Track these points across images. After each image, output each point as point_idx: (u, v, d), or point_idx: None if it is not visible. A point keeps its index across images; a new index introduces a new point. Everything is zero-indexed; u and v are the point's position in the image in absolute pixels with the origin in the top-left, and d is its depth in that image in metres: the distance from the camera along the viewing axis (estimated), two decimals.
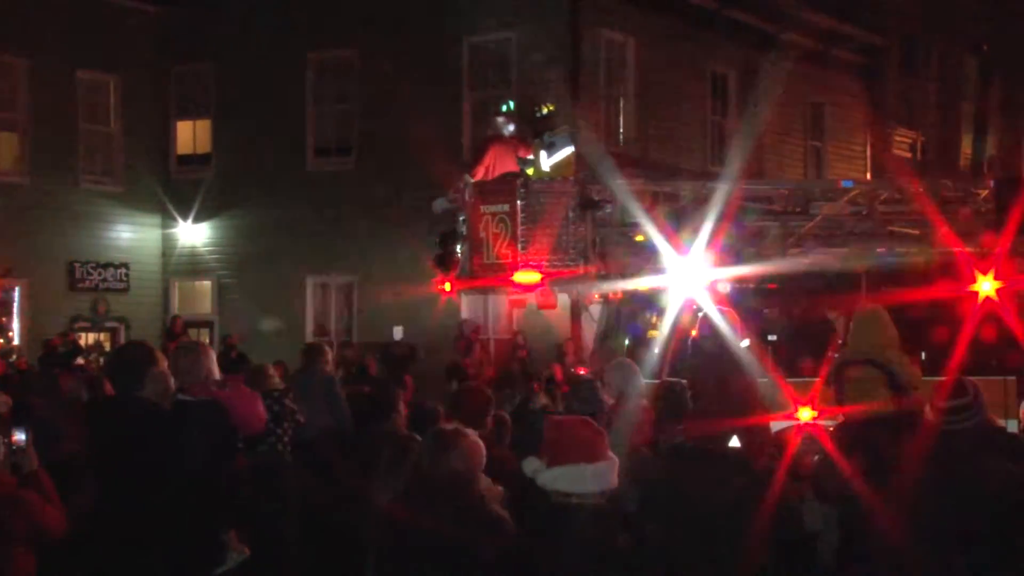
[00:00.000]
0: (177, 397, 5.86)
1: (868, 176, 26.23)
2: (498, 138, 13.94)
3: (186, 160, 24.80)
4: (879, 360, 7.41)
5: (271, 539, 7.03)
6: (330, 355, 11.56)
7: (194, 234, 24.28)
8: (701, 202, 12.03)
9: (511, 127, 13.97)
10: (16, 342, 21.61)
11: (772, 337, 11.77)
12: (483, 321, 20.77)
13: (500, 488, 5.88)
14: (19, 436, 5.88)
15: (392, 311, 20.48)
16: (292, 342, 19.22)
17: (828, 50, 25.45)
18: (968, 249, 10.82)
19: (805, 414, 7.47)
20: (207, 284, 24.50)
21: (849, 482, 5.79)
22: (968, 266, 10.12)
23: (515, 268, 12.50)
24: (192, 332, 22.48)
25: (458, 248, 13.28)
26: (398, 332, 20.22)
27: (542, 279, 12.41)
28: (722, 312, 10.71)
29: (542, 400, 11.10)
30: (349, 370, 18.52)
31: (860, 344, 7.85)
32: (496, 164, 13.57)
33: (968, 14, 28.66)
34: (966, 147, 28.73)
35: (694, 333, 11.35)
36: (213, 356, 6.30)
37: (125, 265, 23.94)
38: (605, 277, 12.38)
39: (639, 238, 12.14)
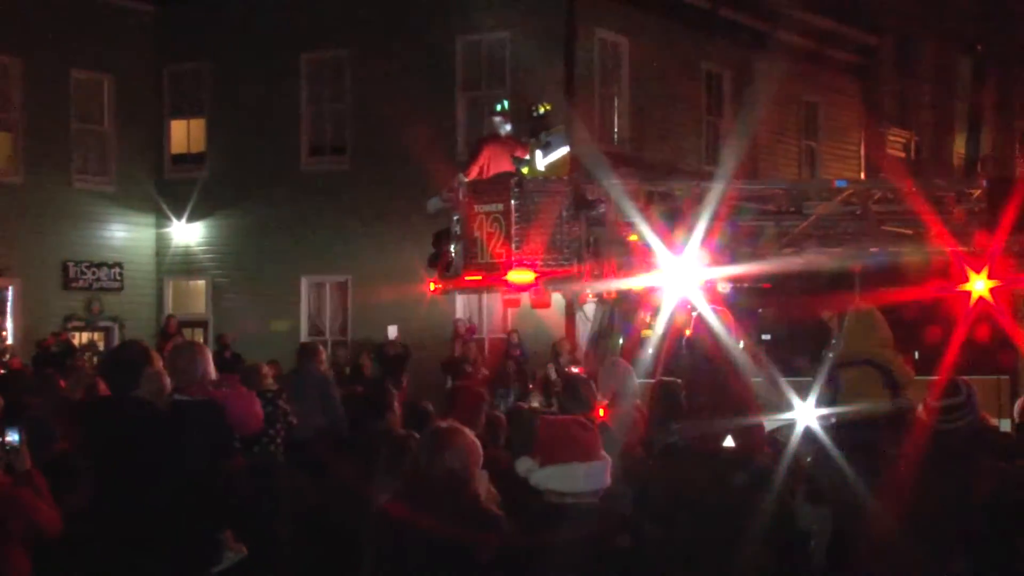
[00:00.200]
0: (174, 397, 5.85)
1: (862, 176, 26.27)
2: (494, 137, 13.92)
3: (180, 159, 24.75)
4: (877, 360, 7.41)
5: (266, 539, 7.02)
6: (324, 355, 11.56)
7: (188, 233, 24.23)
8: (695, 202, 12.02)
9: (507, 126, 13.95)
10: (9, 341, 21.60)
11: (766, 336, 11.79)
12: (477, 320, 20.78)
13: (494, 492, 5.87)
14: (12, 436, 5.88)
15: (386, 310, 20.48)
16: (287, 341, 19.26)
17: (822, 50, 25.45)
18: (962, 249, 10.85)
19: (799, 414, 7.46)
20: (201, 284, 24.45)
21: (844, 481, 5.81)
22: (962, 265, 10.16)
23: (509, 267, 12.48)
24: (186, 332, 22.43)
25: (452, 247, 13.28)
26: (392, 331, 20.20)
27: (536, 278, 12.39)
28: (716, 312, 10.71)
29: (536, 399, 11.11)
30: (341, 370, 18.56)
31: (854, 344, 7.84)
32: (491, 164, 13.54)
33: (962, 15, 28.71)
34: (960, 147, 28.81)
35: (688, 333, 11.34)
36: (209, 356, 6.29)
37: (119, 264, 23.87)
38: (599, 277, 12.37)
39: (633, 237, 12.13)
